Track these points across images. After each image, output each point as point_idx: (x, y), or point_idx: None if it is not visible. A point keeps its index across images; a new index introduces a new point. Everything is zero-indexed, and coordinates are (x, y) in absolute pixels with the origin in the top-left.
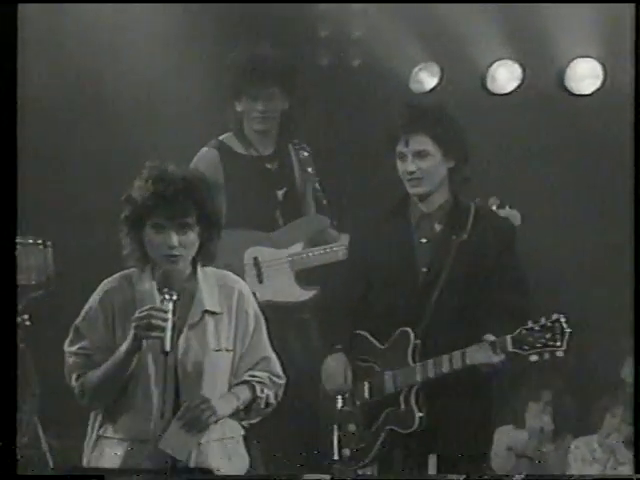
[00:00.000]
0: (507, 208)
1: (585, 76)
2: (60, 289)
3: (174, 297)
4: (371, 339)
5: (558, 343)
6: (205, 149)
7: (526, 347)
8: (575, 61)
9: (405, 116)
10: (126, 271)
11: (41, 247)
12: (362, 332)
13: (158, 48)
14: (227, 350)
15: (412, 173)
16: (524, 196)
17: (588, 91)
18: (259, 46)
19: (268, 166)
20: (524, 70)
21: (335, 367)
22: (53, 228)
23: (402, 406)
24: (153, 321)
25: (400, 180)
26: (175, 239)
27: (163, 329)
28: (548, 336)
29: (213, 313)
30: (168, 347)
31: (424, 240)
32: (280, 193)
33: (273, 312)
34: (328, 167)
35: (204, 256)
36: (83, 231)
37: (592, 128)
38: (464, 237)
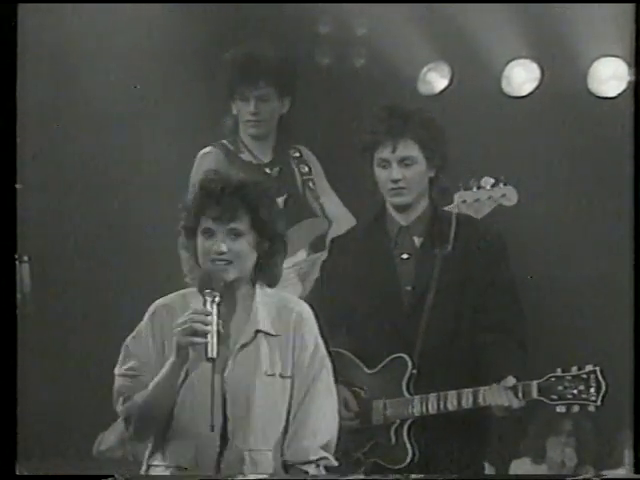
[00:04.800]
0: (501, 185)
1: (610, 77)
2: (37, 309)
3: (217, 299)
4: (355, 361)
5: (593, 398)
6: (208, 148)
7: (554, 397)
8: (599, 61)
9: (390, 120)
10: (183, 290)
11: (16, 262)
12: (343, 351)
13: (155, 49)
14: (282, 376)
15: (396, 182)
16: (543, 206)
17: (613, 93)
18: (254, 43)
19: (267, 171)
20: (543, 70)
21: None
22: (31, 241)
23: (392, 440)
24: (194, 325)
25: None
26: (223, 245)
27: (206, 334)
28: (581, 388)
29: (267, 334)
30: (214, 353)
31: (405, 256)
32: (280, 200)
33: None
34: (327, 173)
35: (264, 274)
36: (66, 245)
37: (618, 134)
38: (448, 250)
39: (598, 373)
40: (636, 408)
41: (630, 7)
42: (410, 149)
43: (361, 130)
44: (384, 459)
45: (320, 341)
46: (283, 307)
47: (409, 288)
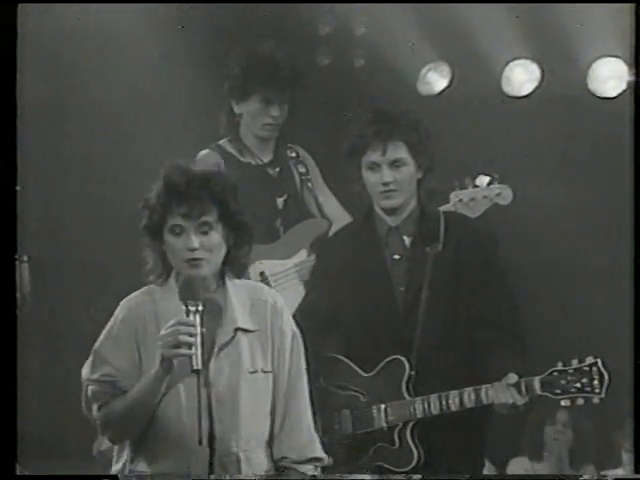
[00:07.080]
0: (497, 184)
1: (609, 77)
2: (37, 308)
3: (200, 308)
4: (351, 365)
5: (597, 390)
6: (205, 151)
7: (558, 391)
8: (599, 61)
9: (377, 123)
10: (148, 287)
11: (16, 262)
12: (339, 356)
13: (154, 49)
14: (264, 371)
15: (387, 184)
16: (543, 207)
17: (613, 93)
18: (274, 46)
19: (269, 172)
20: (543, 70)
21: None
22: (30, 241)
23: (397, 443)
24: (180, 337)
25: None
26: (195, 240)
27: (191, 345)
28: (585, 381)
29: (246, 331)
30: (199, 364)
31: (397, 256)
32: (280, 201)
33: None
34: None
35: (233, 266)
36: (65, 244)
37: (618, 134)
38: (438, 248)
39: (600, 364)
40: (636, 407)
41: (630, 7)
42: (400, 151)
43: (348, 133)
44: (389, 462)
45: (296, 329)
46: (257, 299)
47: (402, 289)
